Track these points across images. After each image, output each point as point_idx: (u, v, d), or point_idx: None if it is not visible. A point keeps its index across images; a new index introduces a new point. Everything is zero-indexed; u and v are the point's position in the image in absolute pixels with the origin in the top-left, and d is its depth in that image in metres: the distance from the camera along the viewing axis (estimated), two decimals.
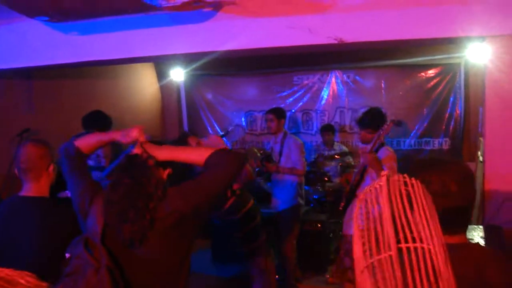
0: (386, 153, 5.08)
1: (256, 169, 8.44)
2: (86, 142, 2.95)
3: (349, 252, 5.15)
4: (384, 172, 1.39)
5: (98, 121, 6.96)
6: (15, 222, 3.26)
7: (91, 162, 6.92)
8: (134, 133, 2.84)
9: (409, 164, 2.25)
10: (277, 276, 7.10)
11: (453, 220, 1.97)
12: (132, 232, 2.50)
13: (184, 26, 4.50)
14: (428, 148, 9.07)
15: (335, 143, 9.01)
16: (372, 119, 5.28)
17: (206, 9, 4.23)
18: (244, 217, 5.61)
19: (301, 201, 6.84)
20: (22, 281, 0.91)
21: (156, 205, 2.56)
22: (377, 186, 1.35)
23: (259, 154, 7.76)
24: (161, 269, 2.58)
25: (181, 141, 4.41)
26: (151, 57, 5.22)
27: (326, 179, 8.35)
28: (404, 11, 3.97)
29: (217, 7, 4.24)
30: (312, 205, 7.90)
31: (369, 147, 5.15)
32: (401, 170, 2.19)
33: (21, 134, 6.86)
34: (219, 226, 5.92)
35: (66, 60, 5.07)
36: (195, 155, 2.74)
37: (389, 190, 1.31)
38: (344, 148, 9.00)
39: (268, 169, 6.90)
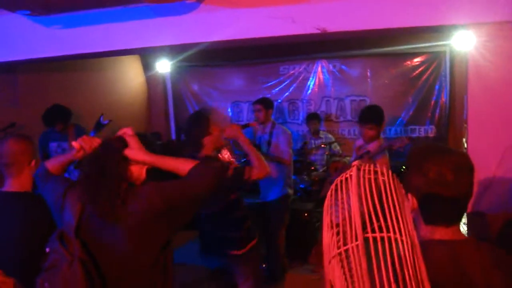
0: (381, 155, 5.06)
1: (242, 160, 8.46)
2: (55, 163, 2.97)
3: None
4: (354, 162, 1.40)
5: (58, 115, 7.00)
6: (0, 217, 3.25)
7: None
8: (87, 146, 2.87)
9: (409, 151, 2.24)
10: (264, 265, 7.15)
11: (448, 210, 1.97)
12: (104, 207, 2.54)
13: (167, 18, 4.48)
14: (414, 135, 9.12)
15: (321, 131, 9.04)
16: (375, 114, 5.26)
17: (189, 1, 4.22)
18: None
19: (290, 191, 6.84)
20: None
21: (128, 188, 2.63)
22: (348, 176, 1.36)
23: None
24: (133, 264, 2.58)
25: (201, 119, 4.41)
26: (135, 49, 5.19)
27: (312, 168, 8.38)
28: (388, 0, 3.98)
29: None
30: (298, 194, 7.93)
31: (370, 147, 5.14)
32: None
33: (6, 128, 6.82)
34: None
35: (50, 53, 5.03)
36: (179, 165, 2.75)
37: (358, 180, 1.33)
38: (330, 137, 9.02)
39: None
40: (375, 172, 1.37)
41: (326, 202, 1.39)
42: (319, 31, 4.03)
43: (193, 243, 7.80)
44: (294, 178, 7.75)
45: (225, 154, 5.40)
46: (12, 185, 3.27)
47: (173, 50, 6.81)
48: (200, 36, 4.48)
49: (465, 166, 1.96)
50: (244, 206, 4.91)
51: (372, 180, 1.33)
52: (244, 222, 4.85)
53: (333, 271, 1.24)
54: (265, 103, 6.82)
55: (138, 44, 4.77)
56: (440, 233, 1.97)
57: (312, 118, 8.91)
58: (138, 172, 2.78)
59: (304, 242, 7.35)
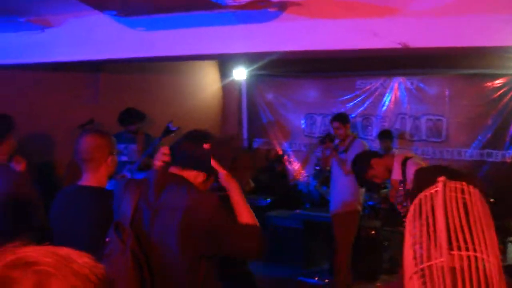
0: None
1: (308, 174, 8.44)
2: None
3: None
4: (441, 178, 1.35)
5: (133, 117, 7.25)
6: (72, 210, 3.32)
7: (124, 158, 7.18)
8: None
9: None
10: (326, 280, 7.10)
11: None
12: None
13: (248, 25, 4.50)
14: (490, 160, 8.84)
15: (394, 149, 8.88)
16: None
17: (271, 9, 4.23)
18: None
19: (359, 207, 6.77)
20: (79, 261, 0.95)
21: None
22: (433, 191, 1.32)
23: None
24: (174, 264, 2.64)
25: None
26: (214, 55, 5.26)
27: (381, 185, 8.26)
28: (472, 18, 3.87)
29: (282, 7, 4.23)
30: (366, 211, 7.83)
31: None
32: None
33: (85, 125, 7.01)
34: None
35: (132, 54, 5.14)
36: (244, 210, 2.80)
37: (444, 196, 1.28)
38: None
39: (325, 148, 6.81)
40: (462, 190, 1.33)
41: (409, 217, 1.36)
42: (400, 46, 3.96)
43: None
44: None
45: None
46: (88, 179, 3.32)
47: (251, 57, 6.87)
48: (279, 45, 4.49)
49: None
50: None
51: (459, 198, 1.29)
52: None
53: (413, 286, 1.20)
54: (343, 119, 6.79)
55: (217, 50, 4.82)
56: None
57: (384, 136, 8.75)
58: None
59: (369, 260, 7.25)
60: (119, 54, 5.20)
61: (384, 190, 8.03)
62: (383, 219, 7.71)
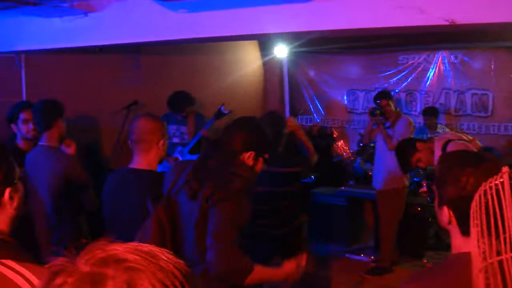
0: None
1: (352, 150, 8.41)
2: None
3: None
4: (505, 168, 1.33)
5: (182, 101, 7.27)
6: (123, 192, 3.38)
7: (176, 139, 7.26)
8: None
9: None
10: (372, 257, 7.10)
11: None
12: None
13: (290, 4, 4.47)
14: None
15: (439, 125, 8.76)
16: None
17: None
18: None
19: (407, 183, 6.74)
20: (164, 257, 0.98)
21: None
22: (498, 182, 1.30)
23: (359, 133, 7.66)
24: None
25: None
26: (255, 35, 5.25)
27: None
28: None
29: None
30: (412, 187, 7.77)
31: None
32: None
33: (129, 106, 7.12)
34: None
35: (174, 36, 5.16)
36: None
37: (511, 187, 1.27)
38: (448, 131, 8.73)
39: (374, 121, 6.80)
40: None
41: (473, 209, 1.34)
42: (447, 23, 3.89)
43: None
44: None
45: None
46: (139, 162, 3.38)
47: (293, 36, 6.83)
48: (323, 24, 4.44)
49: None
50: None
51: None
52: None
53: (480, 282, 1.19)
54: (388, 96, 6.80)
55: (259, 30, 4.80)
56: None
57: (429, 113, 8.64)
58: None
59: (415, 237, 7.22)
60: (161, 36, 5.23)
61: (430, 167, 7.96)
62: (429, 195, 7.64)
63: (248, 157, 2.95)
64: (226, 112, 7.28)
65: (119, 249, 0.96)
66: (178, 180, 2.98)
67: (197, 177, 2.87)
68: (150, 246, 1.00)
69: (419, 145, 5.01)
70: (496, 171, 1.82)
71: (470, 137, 5.10)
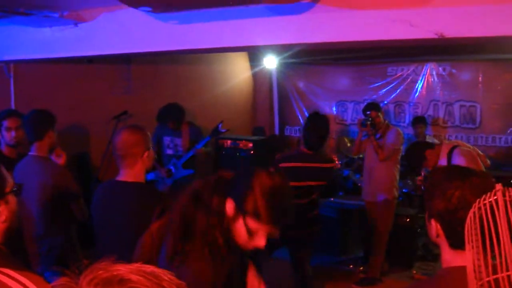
0: None
1: (342, 162, 8.44)
2: None
3: None
4: (498, 186, 1.35)
5: (172, 113, 7.26)
6: (111, 204, 3.37)
7: (169, 151, 7.26)
8: None
9: (432, 172, 2.18)
10: (361, 268, 7.11)
11: None
12: None
13: (280, 17, 4.48)
14: None
15: (427, 136, 8.82)
16: None
17: (304, 1, 4.21)
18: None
19: (396, 194, 6.76)
20: (166, 278, 0.98)
21: None
22: (492, 200, 1.32)
23: (348, 144, 7.70)
24: None
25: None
26: (246, 47, 5.27)
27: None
28: (509, 6, 3.82)
29: None
30: (401, 198, 7.79)
31: None
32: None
33: (119, 116, 7.12)
34: None
35: (164, 48, 5.16)
36: None
37: (506, 205, 1.28)
38: (437, 142, 8.78)
39: (366, 131, 6.81)
40: None
41: (468, 226, 1.35)
42: (436, 37, 3.93)
43: None
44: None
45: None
46: (126, 175, 3.35)
47: (283, 47, 6.86)
48: (312, 37, 4.46)
49: (488, 188, 1.87)
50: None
51: None
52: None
53: None
54: (377, 108, 6.81)
55: (249, 42, 4.81)
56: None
57: (418, 122, 8.71)
58: None
59: (404, 248, 7.24)
60: (151, 47, 5.23)
61: (419, 177, 8.00)
62: (418, 206, 7.68)
63: None
64: (223, 130, 7.33)
65: (122, 269, 0.96)
66: None
67: None
68: (152, 267, 1.00)
69: (428, 153, 5.29)
70: (484, 185, 1.84)
71: (480, 152, 5.27)
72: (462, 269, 1.84)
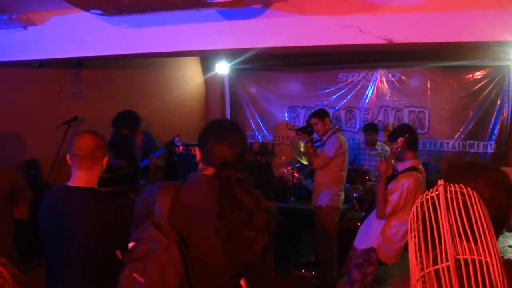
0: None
1: (297, 165, 8.48)
2: None
3: (359, 266, 5.12)
4: (440, 181, 1.38)
5: (128, 121, 7.20)
6: (64, 211, 3.30)
7: None
8: None
9: (446, 168, 2.21)
10: (313, 272, 7.14)
11: None
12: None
13: (232, 21, 4.50)
14: (472, 151, 8.97)
15: (378, 142, 8.93)
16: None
17: (256, 6, 4.24)
18: None
19: (339, 200, 6.76)
20: None
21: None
22: (434, 195, 1.35)
23: (302, 149, 7.74)
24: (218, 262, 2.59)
25: None
26: (197, 51, 5.25)
27: (367, 177, 8.32)
28: (454, 14, 3.91)
29: (266, 4, 4.25)
30: (351, 203, 7.87)
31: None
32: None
33: (69, 121, 7.02)
34: None
35: (116, 51, 5.13)
36: None
37: (446, 199, 1.31)
38: (387, 148, 8.88)
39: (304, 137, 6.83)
40: (462, 193, 1.36)
41: (411, 221, 1.38)
42: (385, 42, 4.00)
43: None
44: (347, 187, 7.64)
45: None
46: (80, 179, 3.28)
47: (234, 52, 6.87)
48: (264, 41, 4.49)
49: (502, 184, 1.92)
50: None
51: (460, 201, 1.31)
52: None
53: None
54: (319, 115, 6.76)
55: (201, 46, 4.82)
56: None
57: (369, 129, 8.81)
58: None
59: None
60: (102, 51, 5.18)
61: (370, 183, 8.09)
62: (368, 211, 7.75)
63: None
64: (179, 144, 7.33)
65: None
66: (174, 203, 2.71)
67: None
68: None
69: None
70: (501, 180, 1.91)
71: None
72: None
